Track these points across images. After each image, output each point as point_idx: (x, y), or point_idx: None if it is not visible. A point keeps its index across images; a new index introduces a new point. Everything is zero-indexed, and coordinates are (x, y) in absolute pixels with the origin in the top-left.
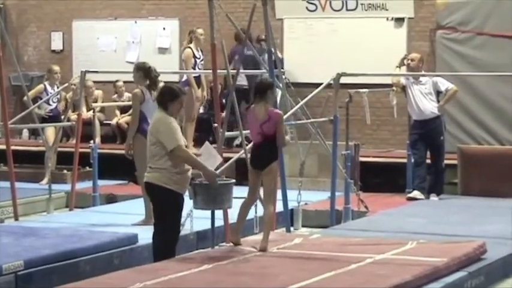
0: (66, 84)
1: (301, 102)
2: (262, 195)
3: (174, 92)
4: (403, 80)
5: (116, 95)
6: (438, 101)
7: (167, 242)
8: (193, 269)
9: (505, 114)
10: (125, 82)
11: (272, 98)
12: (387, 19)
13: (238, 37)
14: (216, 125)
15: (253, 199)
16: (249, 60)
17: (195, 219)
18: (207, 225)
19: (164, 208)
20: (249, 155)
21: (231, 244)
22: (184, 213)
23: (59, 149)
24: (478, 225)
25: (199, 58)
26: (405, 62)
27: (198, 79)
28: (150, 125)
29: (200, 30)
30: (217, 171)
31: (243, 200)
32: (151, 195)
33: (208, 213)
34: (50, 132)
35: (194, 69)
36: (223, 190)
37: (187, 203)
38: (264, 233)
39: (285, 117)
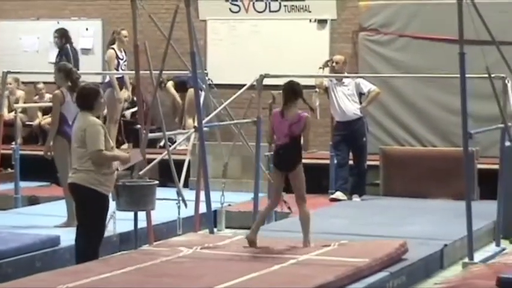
0: None
1: (225, 104)
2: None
3: (96, 90)
4: (326, 82)
5: (37, 97)
6: (361, 103)
7: (91, 243)
8: (116, 271)
9: (426, 115)
10: (47, 83)
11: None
12: (310, 21)
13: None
14: (139, 126)
15: (277, 201)
16: (76, 58)
17: (117, 220)
18: (130, 227)
19: (89, 209)
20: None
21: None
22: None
23: None
24: (399, 226)
25: (122, 59)
26: (329, 64)
27: (121, 80)
28: (76, 127)
29: (124, 32)
30: (141, 173)
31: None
32: (76, 196)
33: (131, 214)
34: None
35: (117, 70)
36: (147, 192)
37: (111, 205)
38: (304, 233)
39: (207, 118)
